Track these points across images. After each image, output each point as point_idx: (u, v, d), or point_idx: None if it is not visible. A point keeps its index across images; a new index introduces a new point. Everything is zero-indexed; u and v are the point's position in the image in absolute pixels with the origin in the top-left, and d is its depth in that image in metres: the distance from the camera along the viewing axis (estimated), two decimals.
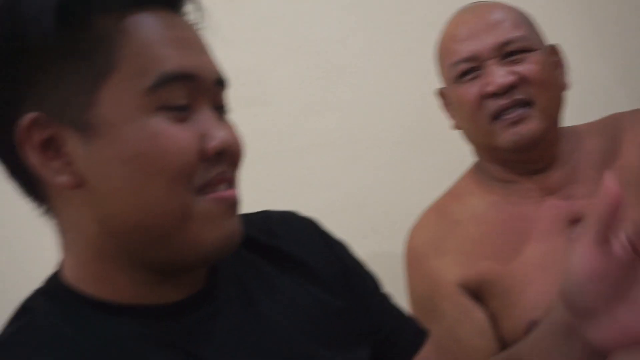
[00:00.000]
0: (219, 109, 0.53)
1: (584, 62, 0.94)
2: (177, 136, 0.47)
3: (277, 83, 1.20)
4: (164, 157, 0.46)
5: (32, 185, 0.50)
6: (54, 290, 0.51)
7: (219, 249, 0.51)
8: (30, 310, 0.50)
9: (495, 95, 0.81)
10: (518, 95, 0.82)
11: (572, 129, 0.90)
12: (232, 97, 1.10)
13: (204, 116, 0.50)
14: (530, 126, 0.81)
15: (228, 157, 0.51)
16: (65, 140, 0.47)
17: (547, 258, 0.81)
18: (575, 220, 0.82)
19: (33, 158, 0.47)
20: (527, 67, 0.81)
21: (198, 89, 0.49)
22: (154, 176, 0.47)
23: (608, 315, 0.44)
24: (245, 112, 1.08)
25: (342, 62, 1.23)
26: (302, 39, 1.22)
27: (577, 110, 0.91)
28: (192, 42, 0.52)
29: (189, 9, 0.53)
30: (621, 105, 0.95)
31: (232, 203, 0.51)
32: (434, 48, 0.92)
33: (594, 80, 1.04)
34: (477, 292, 0.84)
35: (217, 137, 0.48)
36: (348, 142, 1.20)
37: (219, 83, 0.52)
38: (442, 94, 0.92)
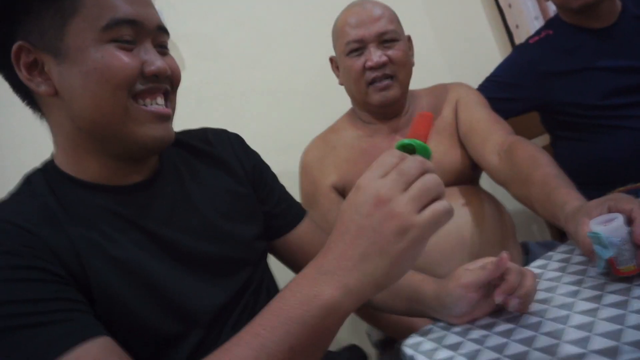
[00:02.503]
0: (162, 47, 0.64)
1: (424, 49, 1.24)
2: (121, 58, 0.57)
3: (225, 45, 1.43)
4: (110, 71, 0.56)
5: (28, 97, 0.62)
6: (47, 169, 0.64)
7: (152, 145, 0.62)
8: (29, 181, 0.63)
9: (372, 68, 1.05)
10: (386, 71, 1.05)
11: (413, 92, 1.18)
12: (193, 54, 1.34)
13: (147, 50, 0.60)
14: (392, 92, 1.07)
15: (164, 79, 0.62)
16: (45, 63, 0.58)
17: None
18: None
19: (22, 75, 0.58)
20: (395, 52, 1.05)
21: (142, 31, 0.59)
22: (103, 85, 0.57)
23: (464, 316, 0.66)
24: (202, 65, 1.39)
25: (272, 33, 1.50)
26: (244, 14, 1.47)
27: (422, 80, 1.23)
28: None
29: None
30: (446, 81, 1.23)
31: (162, 115, 0.62)
32: (329, 29, 1.15)
33: (429, 61, 1.33)
34: (343, 191, 1.10)
35: (154, 64, 0.60)
36: (272, 91, 1.48)
37: (160, 28, 0.62)
38: (333, 60, 1.17)
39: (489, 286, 0.65)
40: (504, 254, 0.62)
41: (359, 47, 1.07)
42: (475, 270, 0.64)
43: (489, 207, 1.06)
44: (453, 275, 0.67)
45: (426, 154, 0.50)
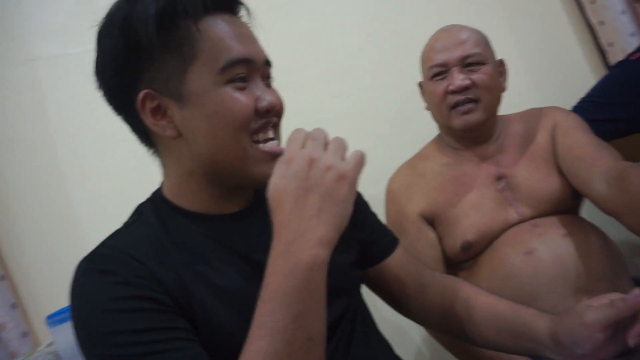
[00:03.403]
0: (267, 79, 0.66)
1: (510, 73, 1.15)
2: (239, 99, 0.59)
3: (306, 76, 1.47)
4: (231, 114, 0.58)
5: (145, 137, 0.65)
6: (155, 200, 0.67)
7: (263, 181, 0.59)
8: (140, 212, 0.67)
9: (454, 92, 1.04)
10: (470, 95, 1.03)
11: (504, 117, 1.14)
12: (275, 86, 1.35)
13: (257, 86, 0.62)
14: (475, 117, 1.04)
15: (274, 112, 0.63)
16: (167, 107, 0.60)
17: (479, 201, 1.04)
18: (499, 178, 1.06)
19: (147, 120, 0.60)
20: (479, 76, 1.03)
21: (252, 67, 0.61)
22: (225, 127, 0.59)
23: (585, 358, 0.59)
24: (285, 96, 1.41)
25: (352, 63, 1.51)
26: (324, 45, 1.50)
27: (509, 105, 1.15)
28: (247, 35, 0.63)
29: (243, 12, 0.66)
30: (534, 104, 1.18)
31: (277, 155, 0.61)
32: (414, 54, 1.15)
33: (515, 84, 1.21)
34: (431, 220, 1.07)
35: (266, 100, 0.61)
36: (354, 119, 1.47)
37: (266, 63, 0.65)
38: (421, 85, 1.17)
39: (617, 325, 0.58)
40: (638, 291, 0.56)
41: (442, 71, 1.06)
42: (602, 307, 0.58)
43: (595, 238, 0.98)
44: (573, 311, 0.61)
45: None
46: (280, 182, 0.51)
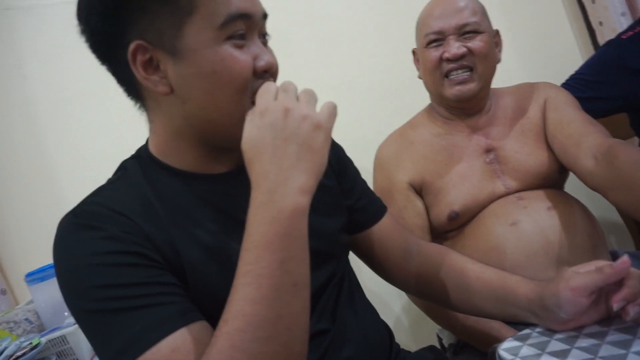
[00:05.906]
0: (264, 36, 0.63)
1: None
2: (239, 59, 0.56)
3: (298, 42, 1.44)
4: (230, 74, 0.56)
5: (133, 90, 0.62)
6: (141, 156, 0.65)
7: None
8: (125, 168, 0.65)
9: (449, 60, 1.03)
10: (465, 62, 1.03)
11: (495, 90, 1.14)
12: None
13: (255, 44, 0.59)
14: (469, 87, 1.03)
15: (270, 72, 0.61)
16: (160, 61, 0.57)
17: (467, 172, 1.05)
18: (488, 150, 1.06)
19: (139, 73, 0.57)
20: (475, 43, 1.02)
21: (252, 23, 0.58)
22: (223, 88, 0.56)
23: (569, 323, 0.61)
24: None
25: (344, 30, 1.49)
26: (317, 13, 1.47)
27: (495, 79, 1.13)
28: None
29: None
30: (522, 80, 1.18)
31: None
32: (405, 23, 1.14)
33: (506, 61, 1.19)
34: (419, 189, 1.07)
35: (264, 59, 0.59)
36: (344, 87, 1.46)
37: (264, 17, 0.62)
38: (415, 52, 1.15)
39: (601, 292, 0.60)
40: (626, 257, 0.58)
41: (438, 39, 1.05)
42: (589, 273, 0.59)
43: (577, 212, 1.00)
44: (559, 276, 0.62)
45: None
46: (256, 133, 0.52)
